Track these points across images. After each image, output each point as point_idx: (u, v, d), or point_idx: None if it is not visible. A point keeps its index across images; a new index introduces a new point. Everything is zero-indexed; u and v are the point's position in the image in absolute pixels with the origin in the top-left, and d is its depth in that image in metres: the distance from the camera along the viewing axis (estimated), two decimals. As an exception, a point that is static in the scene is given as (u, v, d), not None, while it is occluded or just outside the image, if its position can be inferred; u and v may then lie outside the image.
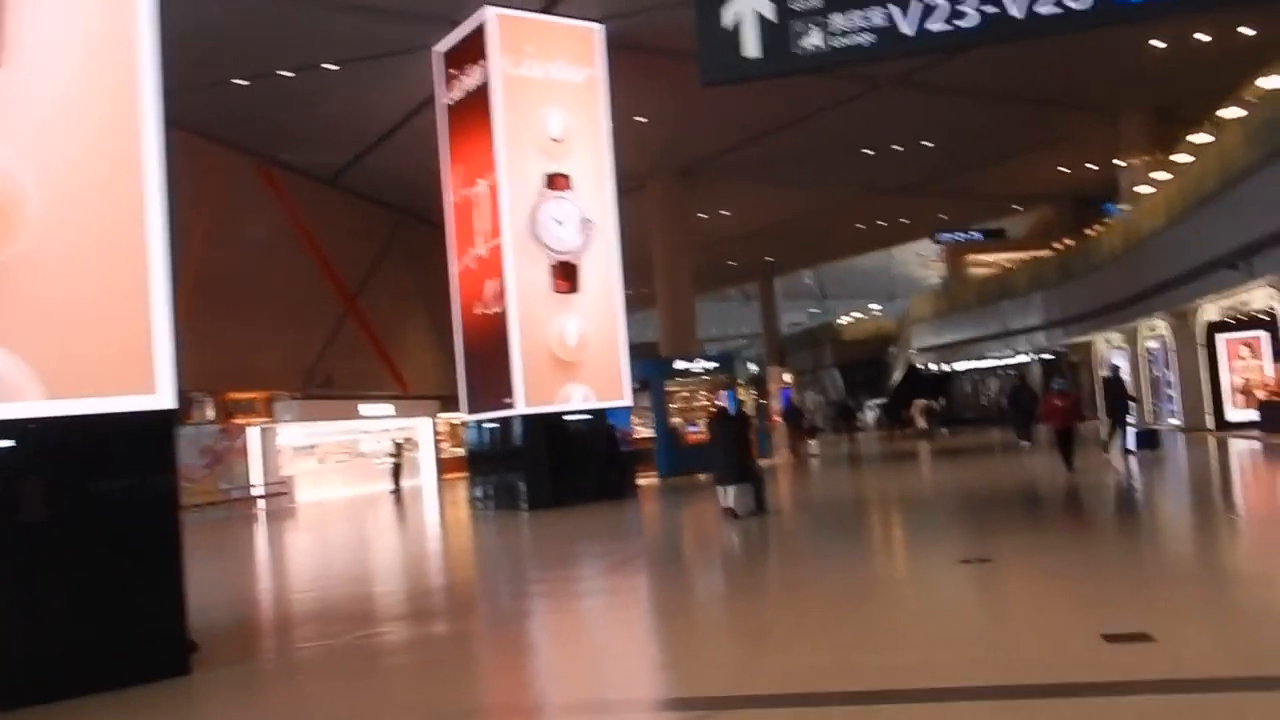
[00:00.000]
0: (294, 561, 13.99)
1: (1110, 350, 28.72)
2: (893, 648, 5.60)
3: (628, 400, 17.73)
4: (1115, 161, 28.62)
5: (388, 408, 26.96)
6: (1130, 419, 17.92)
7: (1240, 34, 20.98)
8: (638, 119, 22.85)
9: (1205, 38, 21.38)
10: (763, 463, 18.82)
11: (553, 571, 10.11)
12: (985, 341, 35.99)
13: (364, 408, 26.16)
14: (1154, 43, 21.71)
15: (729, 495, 12.42)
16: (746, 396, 25.65)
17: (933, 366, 41.55)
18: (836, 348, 52.51)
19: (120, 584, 5.93)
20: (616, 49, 17.97)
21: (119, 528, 5.97)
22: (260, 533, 18.06)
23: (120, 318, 6.03)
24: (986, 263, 41.73)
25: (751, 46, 7.74)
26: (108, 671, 5.75)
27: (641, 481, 18.98)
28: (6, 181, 5.77)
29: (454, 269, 18.28)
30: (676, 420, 21.39)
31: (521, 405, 16.31)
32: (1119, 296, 24.48)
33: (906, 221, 39.99)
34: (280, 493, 22.89)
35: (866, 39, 7.52)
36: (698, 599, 8.12)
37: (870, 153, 28.72)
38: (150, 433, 6.14)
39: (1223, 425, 21.02)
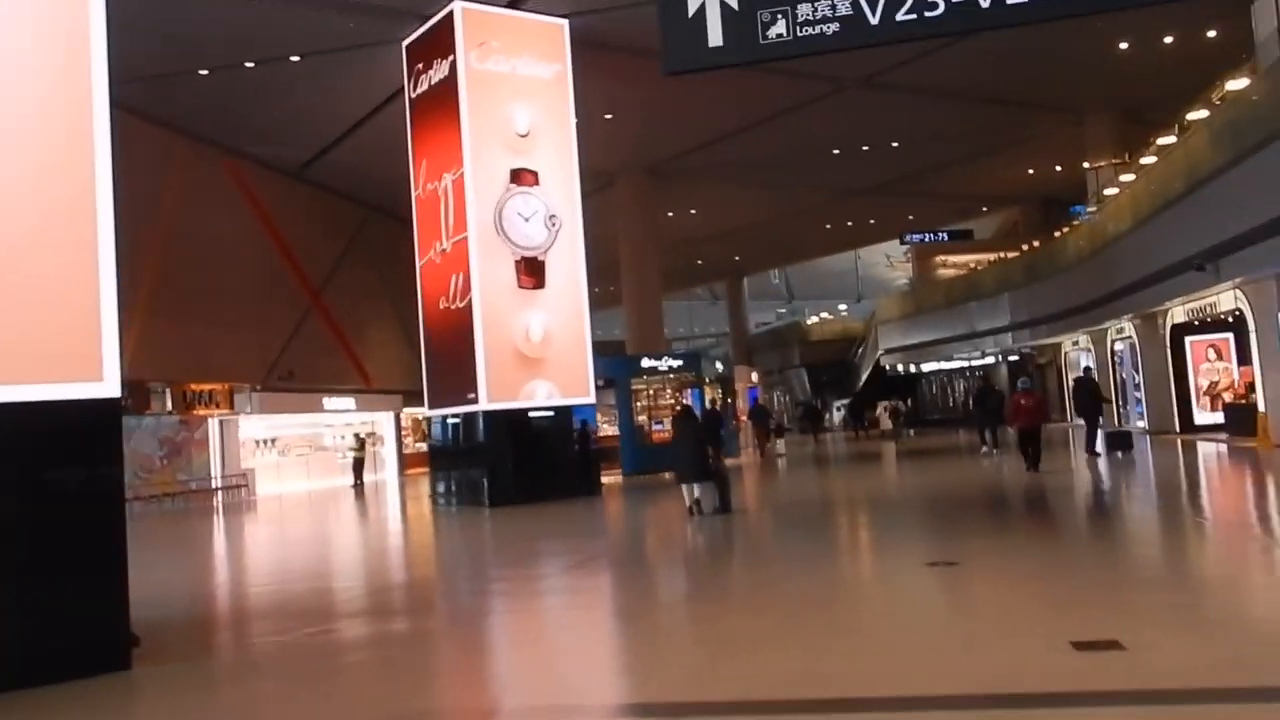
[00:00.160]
0: (250, 555, 13.67)
1: (1078, 352, 28.99)
2: (857, 654, 5.45)
3: (592, 397, 17.54)
4: (1083, 164, 28.86)
5: (350, 402, 26.60)
6: (1102, 420, 18.06)
7: (1205, 36, 21.19)
8: (605, 116, 22.69)
9: (1171, 39, 21.58)
10: (729, 462, 18.79)
11: (513, 570, 9.90)
12: (952, 343, 36.19)
13: (327, 401, 25.81)
14: (1121, 45, 21.88)
15: (692, 494, 12.38)
16: (713, 395, 25.54)
17: (900, 367, 41.75)
18: (804, 348, 52.67)
19: (58, 576, 5.77)
20: (584, 46, 17.78)
21: (58, 518, 5.80)
22: (217, 525, 17.72)
23: (64, 303, 5.86)
24: (954, 264, 42.00)
25: (715, 35, 7.57)
26: (42, 666, 5.58)
27: (606, 479, 18.81)
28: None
29: (419, 263, 17.99)
30: (642, 418, 21.22)
31: (485, 401, 16.07)
32: (1086, 298, 24.64)
33: (874, 222, 40.16)
34: (239, 485, 22.49)
35: (832, 28, 7.38)
36: (659, 600, 7.95)
37: (838, 153, 28.75)
38: (94, 421, 5.96)
39: (1189, 428, 21.15)
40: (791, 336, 54.97)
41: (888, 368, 42.24)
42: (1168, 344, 22.00)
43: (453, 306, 16.82)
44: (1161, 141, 20.88)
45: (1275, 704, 4.27)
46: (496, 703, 5.27)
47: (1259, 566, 7.78)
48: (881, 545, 10.30)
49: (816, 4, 7.18)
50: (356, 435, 25.21)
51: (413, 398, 23.69)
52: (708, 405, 22.41)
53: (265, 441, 24.43)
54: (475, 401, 16.17)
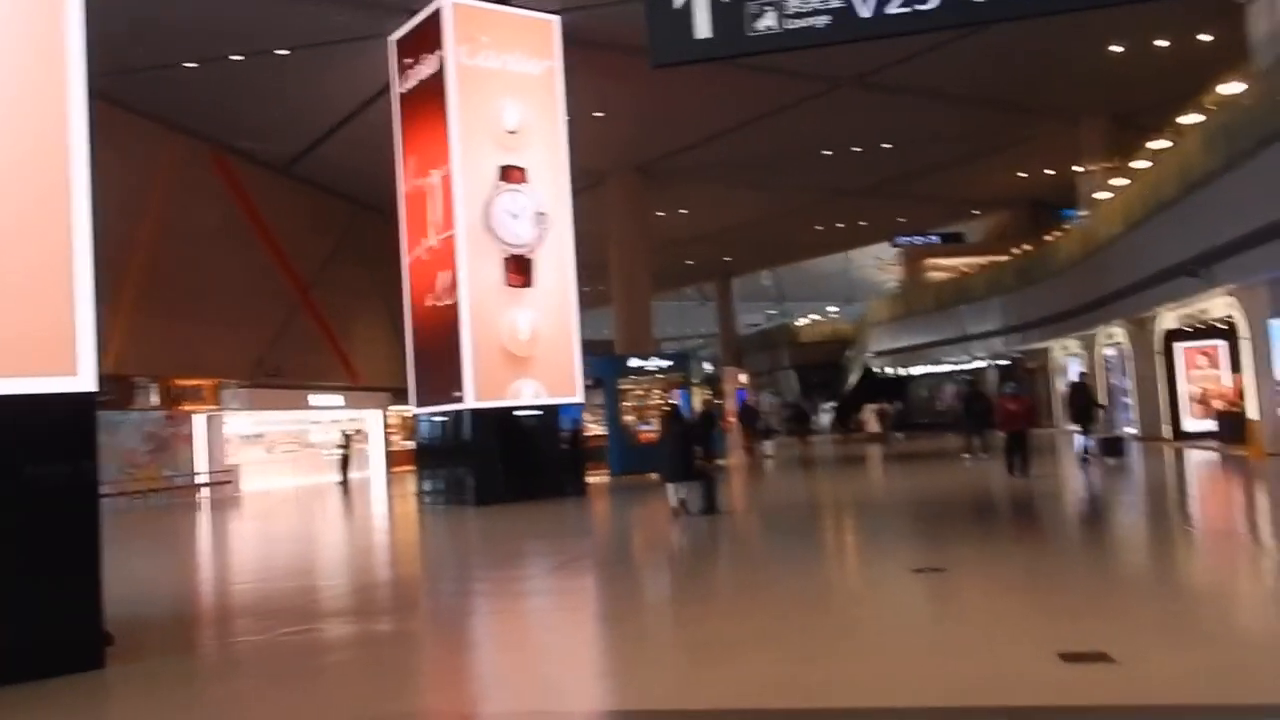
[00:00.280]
0: (232, 552, 13.57)
1: (1067, 357, 28.96)
2: (840, 661, 5.34)
3: (579, 397, 17.40)
4: (1074, 167, 28.85)
5: (338, 399, 26.44)
6: (1095, 425, 18.00)
7: (1199, 40, 21.15)
8: (596, 114, 22.56)
9: (1164, 43, 21.54)
10: (717, 463, 18.67)
11: (497, 570, 9.78)
12: (942, 346, 36.16)
13: (313, 398, 25.64)
14: (1113, 48, 21.83)
15: (678, 494, 12.34)
16: (702, 396, 25.42)
17: (889, 370, 41.72)
18: (793, 349, 52.61)
19: (28, 573, 5.66)
20: (575, 43, 17.66)
21: (28, 514, 5.68)
22: (201, 521, 17.59)
23: (37, 297, 5.76)
24: (944, 267, 41.97)
25: (703, 27, 7.44)
26: (9, 665, 5.47)
27: (592, 479, 18.69)
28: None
29: (406, 260, 17.82)
30: (629, 418, 21.10)
31: (471, 399, 15.93)
32: (1077, 303, 24.58)
33: (865, 224, 40.12)
34: (225, 481, 22.29)
35: (822, 21, 7.24)
36: (643, 602, 7.85)
37: (829, 154, 28.67)
38: (68, 416, 5.86)
39: (1179, 435, 21.05)
40: (781, 338, 54.90)
41: (877, 370, 42.20)
42: (1159, 349, 21.93)
43: (439, 304, 16.67)
44: (1154, 145, 20.82)
45: (1268, 721, 4.17)
46: (476, 706, 5.19)
47: (1250, 577, 7.70)
48: (867, 550, 10.20)
49: (806, -5, 7.07)
50: (343, 432, 25.02)
51: (400, 395, 23.49)
52: (701, 406, 22.35)
53: (252, 438, 24.21)
54: (461, 400, 16.01)
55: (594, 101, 21.48)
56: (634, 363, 22.21)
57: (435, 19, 16.59)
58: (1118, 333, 23.81)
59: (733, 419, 28.94)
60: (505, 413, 16.32)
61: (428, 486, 17.65)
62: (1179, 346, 21.35)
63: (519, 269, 16.62)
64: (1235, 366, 19.37)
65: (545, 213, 16.98)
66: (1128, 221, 21.14)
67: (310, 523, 16.56)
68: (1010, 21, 18.58)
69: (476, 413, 16.08)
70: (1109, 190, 23.79)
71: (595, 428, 20.62)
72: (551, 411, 16.96)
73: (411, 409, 18.45)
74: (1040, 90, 24.75)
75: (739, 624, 6.40)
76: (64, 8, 5.94)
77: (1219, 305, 18.64)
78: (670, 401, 16.86)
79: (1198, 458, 17.91)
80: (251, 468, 23.41)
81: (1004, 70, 22.77)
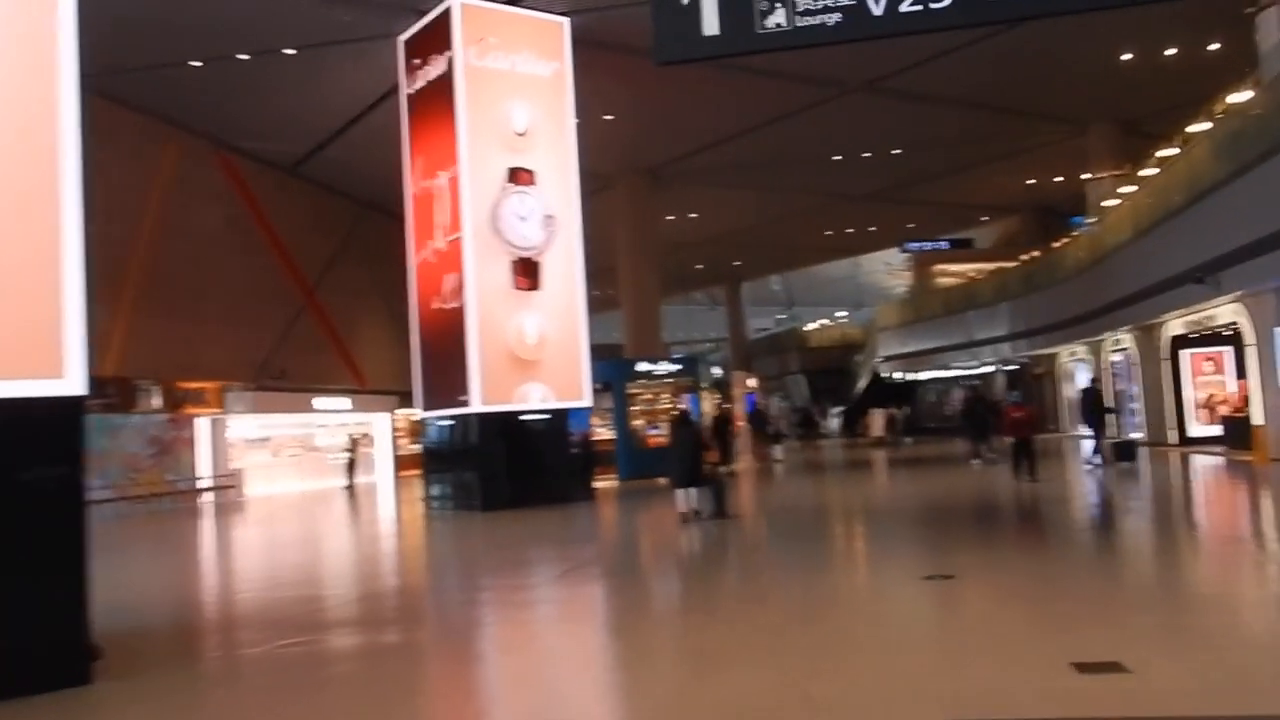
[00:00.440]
0: (234, 559, 13.47)
1: (1074, 362, 28.85)
2: (846, 674, 5.25)
3: (588, 401, 17.34)
4: (1083, 174, 28.74)
5: (344, 402, 26.40)
6: (1106, 430, 17.98)
7: (1208, 49, 21.07)
8: (605, 117, 22.54)
9: (1173, 51, 21.47)
10: (729, 468, 18.62)
11: (503, 578, 9.69)
12: (950, 351, 36.03)
13: (319, 401, 25.60)
14: (1123, 56, 21.77)
15: (686, 499, 12.29)
16: (713, 401, 25.37)
17: (898, 375, 41.59)
18: (802, 354, 52.47)
19: (7, 584, 5.42)
20: (585, 45, 17.63)
21: (10, 521, 5.48)
22: (204, 527, 17.49)
23: (23, 296, 5.57)
24: (953, 273, 41.84)
25: (710, 24, 7.34)
26: None
27: (600, 484, 18.62)
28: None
29: (412, 262, 17.79)
30: (638, 423, 21.03)
31: (477, 403, 15.87)
32: (1084, 309, 24.50)
33: (875, 229, 40.02)
34: (228, 485, 22.23)
35: (833, 19, 7.14)
36: (648, 611, 7.75)
37: (839, 158, 28.59)
38: (55, 421, 5.66)
39: (1185, 440, 21.03)
40: (790, 343, 54.77)
41: (886, 375, 42.07)
42: (1165, 355, 21.86)
43: (446, 307, 16.62)
44: (1163, 153, 20.74)
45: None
46: (476, 720, 5.09)
47: (1262, 584, 7.61)
48: (876, 556, 10.11)
49: (817, -8, 6.96)
50: (350, 436, 25.00)
51: (407, 398, 23.49)
52: (718, 410, 22.37)
53: (256, 441, 24.19)
54: (467, 404, 15.96)
55: (604, 104, 21.45)
56: (643, 367, 22.13)
57: (444, 20, 16.58)
58: (1125, 339, 23.72)
59: (742, 423, 28.87)
60: (512, 417, 16.24)
61: (434, 491, 17.58)
62: (1185, 353, 21.32)
63: (526, 272, 16.57)
64: (1240, 373, 19.33)
65: (553, 215, 16.93)
66: (1135, 228, 21.06)
67: (315, 528, 16.49)
68: (1022, 21, 18.67)
69: (483, 417, 16.00)
70: (1117, 197, 23.70)
71: (603, 432, 20.56)
72: (559, 416, 16.89)
73: (418, 413, 18.40)
74: (1049, 97, 24.67)
75: (745, 634, 6.31)
76: (54, 1, 5.79)
77: (1225, 312, 18.58)
78: (680, 406, 16.79)
79: (1203, 463, 17.86)
80: (256, 472, 23.36)
81: (1013, 76, 22.71)
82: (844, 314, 59.27)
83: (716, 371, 43.16)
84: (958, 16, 7.18)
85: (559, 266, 16.94)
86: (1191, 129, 19.26)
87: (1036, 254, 32.09)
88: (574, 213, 17.26)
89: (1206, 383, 21.19)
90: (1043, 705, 4.45)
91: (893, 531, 11.61)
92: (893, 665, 5.33)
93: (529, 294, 16.52)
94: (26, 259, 5.61)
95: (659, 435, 19.96)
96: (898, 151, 28.25)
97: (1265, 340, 16.88)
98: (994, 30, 19.46)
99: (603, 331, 25.88)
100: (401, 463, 27.36)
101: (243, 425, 23.38)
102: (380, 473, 27.20)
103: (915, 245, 42.57)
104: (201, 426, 22.15)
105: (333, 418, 25.98)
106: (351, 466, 24.26)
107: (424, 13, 17.20)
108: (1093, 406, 18.48)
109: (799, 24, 7.08)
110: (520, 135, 16.76)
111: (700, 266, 45.34)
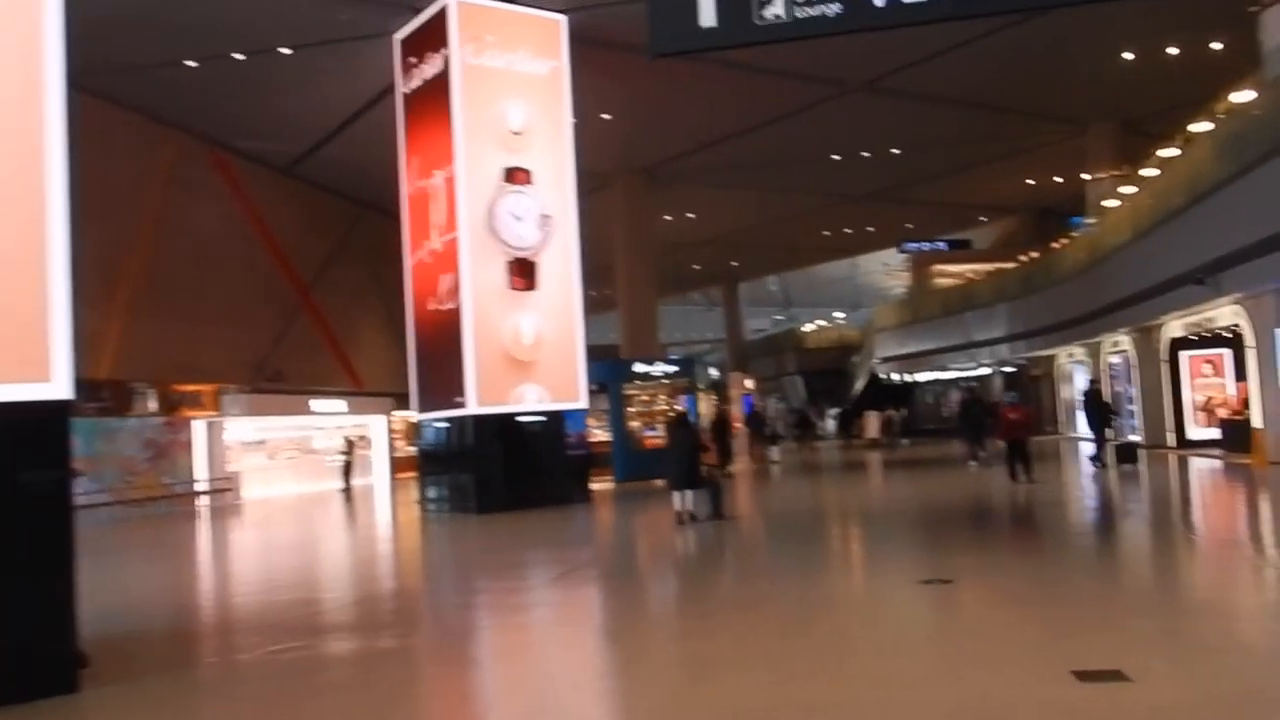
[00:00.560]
0: (230, 562, 13.37)
1: (1072, 364, 28.76)
2: (843, 681, 5.16)
3: (584, 402, 17.24)
4: (1082, 175, 28.65)
5: (340, 404, 26.27)
6: (1109, 432, 17.92)
7: (1210, 48, 20.97)
8: (603, 116, 22.44)
9: (1175, 50, 21.36)
10: (727, 469, 18.53)
11: (498, 581, 9.61)
12: (948, 353, 35.95)
13: (315, 403, 25.46)
14: (1124, 55, 21.66)
15: (683, 501, 12.26)
16: (710, 402, 25.27)
17: (895, 377, 41.49)
18: (800, 355, 52.35)
19: None
20: (581, 43, 17.54)
21: None
22: (200, 530, 17.38)
23: (7, 298, 5.47)
24: (951, 273, 41.74)
25: (708, 15, 7.22)
26: None
27: (596, 486, 18.52)
28: None
29: (408, 263, 17.70)
30: (634, 424, 20.92)
31: (473, 405, 15.77)
32: (1083, 310, 24.40)
33: (873, 230, 39.92)
34: (225, 489, 22.09)
35: (833, 10, 7.03)
36: (643, 615, 7.67)
37: (838, 158, 28.50)
38: (40, 425, 5.56)
39: (1183, 443, 20.93)
40: (788, 344, 54.66)
41: (884, 377, 41.98)
42: (1164, 357, 21.76)
43: (442, 307, 16.53)
44: (1163, 153, 20.63)
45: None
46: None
47: (1261, 590, 7.54)
48: (874, 560, 10.05)
49: (817, -18, 6.85)
50: (346, 438, 24.87)
51: (404, 400, 23.39)
52: (715, 412, 22.30)
53: (253, 444, 24.05)
54: (463, 405, 15.86)
55: (601, 103, 21.35)
56: (639, 368, 22.04)
57: (440, 18, 16.50)
58: (1123, 340, 23.63)
59: (740, 425, 28.78)
60: (508, 418, 16.15)
61: (430, 494, 17.48)
62: (1184, 355, 21.23)
63: (523, 272, 16.47)
64: (1240, 375, 19.23)
65: (550, 215, 16.83)
66: (1135, 229, 20.97)
67: (311, 531, 16.39)
68: (1023, 17, 18.58)
69: (479, 418, 15.91)
70: (1117, 198, 23.59)
71: (600, 433, 20.46)
72: (555, 417, 16.79)
73: (414, 414, 18.29)
74: (1050, 97, 24.58)
75: (740, 639, 6.24)
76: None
77: (1225, 314, 18.49)
78: (677, 407, 16.71)
79: (1202, 466, 17.79)
80: (252, 475, 23.23)
81: (1013, 76, 22.62)
82: (841, 315, 59.16)
83: (713, 372, 43.03)
84: (958, 8, 7.08)
85: (555, 266, 16.84)
86: (1192, 129, 19.16)
87: (1035, 255, 32.00)
88: (571, 212, 17.16)
89: (1205, 385, 21.09)
90: (1043, 716, 4.37)
91: (889, 534, 11.54)
92: (890, 671, 5.25)
93: (525, 294, 16.42)
94: (10, 259, 5.51)
95: (656, 437, 19.86)
96: (897, 151, 28.16)
97: (1265, 342, 16.79)
98: (994, 28, 19.41)
99: (599, 332, 25.80)
100: (398, 465, 27.24)
101: (239, 428, 23.25)
102: (377, 475, 27.08)
103: (913, 246, 42.46)
104: (198, 429, 21.99)
105: (329, 420, 25.86)
106: (348, 469, 24.14)
107: (420, 10, 17.11)
108: (1095, 408, 18.39)
109: (798, 15, 6.98)
110: (516, 134, 16.67)
111: (697, 267, 45.23)
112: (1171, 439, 21.28)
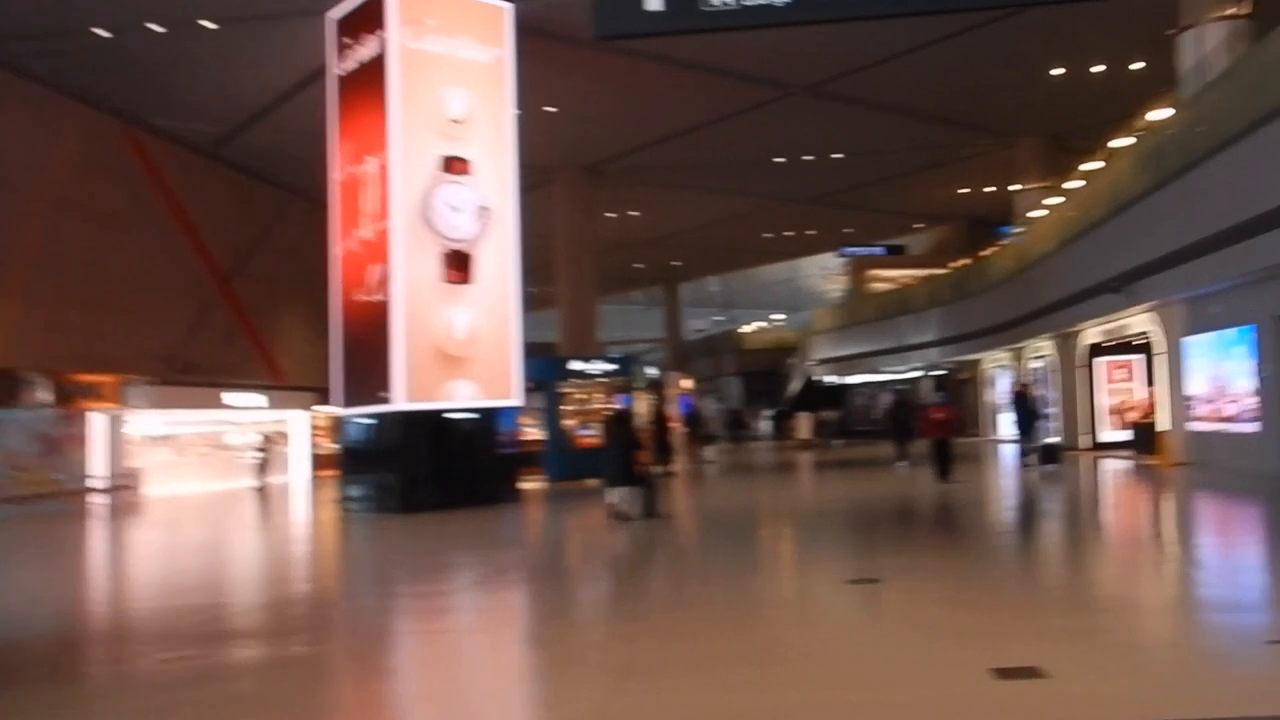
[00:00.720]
0: (128, 564, 12.64)
1: (997, 368, 29.39)
2: (771, 685, 5.06)
3: (518, 400, 16.87)
4: (1011, 185, 29.30)
5: (258, 398, 25.30)
6: (1036, 434, 18.32)
7: (1132, 68, 21.57)
8: (547, 109, 22.08)
9: (1101, 68, 21.93)
10: (664, 469, 18.42)
11: (420, 584, 9.27)
12: (881, 356, 36.47)
13: (230, 397, 24.44)
14: (1053, 71, 22.15)
15: (618, 498, 12.28)
16: (649, 402, 25.11)
17: (830, 379, 41.94)
18: (738, 356, 52.64)
19: None
20: (527, 32, 17.21)
21: None
22: (94, 530, 16.38)
23: None
24: (887, 278, 42.37)
25: (654, -1, 7.00)
26: None
27: (529, 485, 18.18)
28: None
29: (335, 252, 17.11)
30: (570, 423, 20.62)
31: (401, 400, 15.29)
32: (1009, 316, 24.99)
33: (813, 233, 40.35)
34: (125, 486, 20.94)
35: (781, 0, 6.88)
36: (569, 619, 7.45)
37: (781, 161, 28.62)
38: None
39: (1097, 445, 21.66)
40: (726, 344, 54.92)
41: (819, 378, 42.39)
42: (1082, 363, 22.44)
43: (371, 299, 16.01)
44: (1087, 167, 21.23)
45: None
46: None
47: (1171, 586, 7.81)
48: (803, 559, 10.08)
49: (768, -31, 6.66)
50: (262, 434, 23.95)
51: (327, 395, 22.67)
52: (656, 410, 22.21)
53: (160, 439, 22.91)
54: (388, 401, 15.38)
55: (545, 95, 21.02)
56: (577, 366, 21.77)
57: (378, -2, 15.94)
58: (1045, 346, 24.26)
59: (677, 425, 28.68)
60: (437, 415, 15.72)
61: (352, 492, 16.91)
62: (1100, 360, 21.93)
63: (458, 265, 16.05)
64: (1150, 380, 19.92)
65: (489, 207, 16.44)
66: (1059, 239, 21.56)
67: (219, 531, 15.68)
68: (960, 26, 18.85)
69: (406, 415, 15.46)
70: (1043, 208, 24.22)
71: (533, 432, 20.11)
72: (488, 415, 16.40)
73: (337, 410, 17.69)
74: (983, 109, 25.07)
75: (668, 645, 6.10)
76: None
77: (1139, 322, 19.12)
78: (614, 406, 16.50)
79: (1115, 466, 18.47)
80: (158, 471, 22.11)
81: (950, 87, 23.00)
82: (780, 317, 59.67)
83: (652, 372, 42.91)
84: (906, 4, 6.99)
85: (492, 260, 16.45)
86: (1114, 144, 19.75)
87: (966, 262, 32.66)
88: (510, 205, 16.80)
89: (1118, 390, 21.83)
90: (964, 715, 4.40)
91: (819, 534, 11.59)
92: (817, 674, 5.24)
93: (460, 287, 16.01)
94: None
95: (591, 436, 19.61)
96: (838, 156, 28.40)
97: (1174, 350, 17.45)
98: (931, 39, 19.68)
99: (537, 329, 25.34)
100: (319, 462, 26.38)
101: (144, 422, 22.11)
102: (295, 473, 26.21)
103: (851, 250, 43.05)
104: (96, 422, 20.69)
105: (245, 414, 24.87)
106: (264, 466, 23.24)
107: (355, -9, 16.51)
108: (1023, 409, 18.84)
109: (746, 3, 6.80)
110: (456, 122, 16.23)
111: (639, 266, 45.11)
112: (1086, 441, 21.96)
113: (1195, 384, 16.68)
